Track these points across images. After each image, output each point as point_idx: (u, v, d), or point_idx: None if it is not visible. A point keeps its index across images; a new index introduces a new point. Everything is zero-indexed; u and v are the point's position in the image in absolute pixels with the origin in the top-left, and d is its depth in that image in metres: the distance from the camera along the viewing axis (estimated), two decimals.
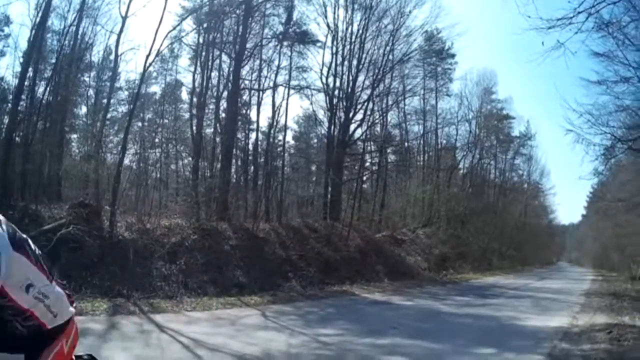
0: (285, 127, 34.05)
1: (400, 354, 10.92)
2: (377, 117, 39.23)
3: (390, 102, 40.33)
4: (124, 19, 21.71)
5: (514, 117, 56.67)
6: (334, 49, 33.47)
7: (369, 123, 37.49)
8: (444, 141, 49.97)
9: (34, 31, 22.40)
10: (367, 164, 40.49)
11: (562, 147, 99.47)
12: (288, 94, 31.30)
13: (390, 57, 35.78)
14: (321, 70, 33.40)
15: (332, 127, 33.71)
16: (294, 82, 31.95)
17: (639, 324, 14.65)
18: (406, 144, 46.04)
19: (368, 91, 35.36)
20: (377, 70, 35.24)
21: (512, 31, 67.39)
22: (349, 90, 34.05)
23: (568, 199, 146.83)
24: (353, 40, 33.85)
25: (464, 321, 16.75)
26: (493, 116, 53.31)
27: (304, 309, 16.86)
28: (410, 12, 35.25)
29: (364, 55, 34.29)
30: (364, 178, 38.04)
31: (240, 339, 10.76)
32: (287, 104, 32.74)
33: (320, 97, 34.47)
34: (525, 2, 13.17)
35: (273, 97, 30.79)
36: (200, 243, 19.54)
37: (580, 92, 40.53)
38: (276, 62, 31.05)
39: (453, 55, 44.15)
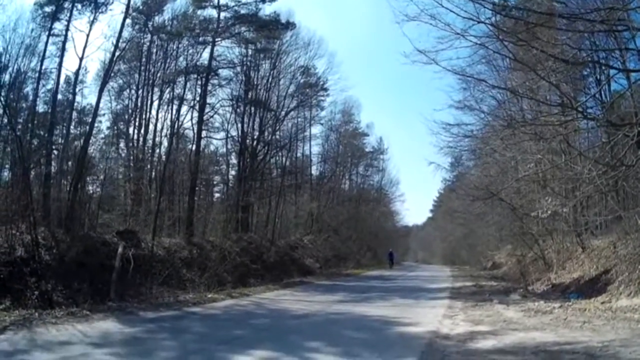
0: None
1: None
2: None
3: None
4: None
5: (368, 134, 62.64)
6: None
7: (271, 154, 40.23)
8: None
9: None
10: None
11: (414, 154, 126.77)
12: None
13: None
14: None
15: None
16: None
17: (488, 284, 27.92)
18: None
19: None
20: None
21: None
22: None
23: (415, 202, 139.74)
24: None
25: (400, 284, 30.82)
26: (351, 135, 60.04)
27: None
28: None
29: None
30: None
31: None
32: None
33: None
34: None
35: None
36: None
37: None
38: None
39: (326, 89, 44.54)
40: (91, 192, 24.40)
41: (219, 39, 32.10)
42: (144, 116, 32.28)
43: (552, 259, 25.12)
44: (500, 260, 42.52)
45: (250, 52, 36.23)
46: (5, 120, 18.48)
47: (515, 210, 26.23)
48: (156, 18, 32.19)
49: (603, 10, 13.35)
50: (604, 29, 14.01)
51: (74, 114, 28.10)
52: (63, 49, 24.18)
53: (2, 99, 19.78)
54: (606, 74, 19.33)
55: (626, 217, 18.47)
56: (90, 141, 23.62)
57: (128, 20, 26.52)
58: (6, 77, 22.04)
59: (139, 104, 32.54)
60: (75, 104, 27.91)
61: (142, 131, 32.02)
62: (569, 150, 19.57)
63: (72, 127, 27.71)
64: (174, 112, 32.25)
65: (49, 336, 10.52)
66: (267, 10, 33.95)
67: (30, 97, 24.58)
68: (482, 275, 38.20)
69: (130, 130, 32.90)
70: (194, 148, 32.39)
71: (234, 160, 39.10)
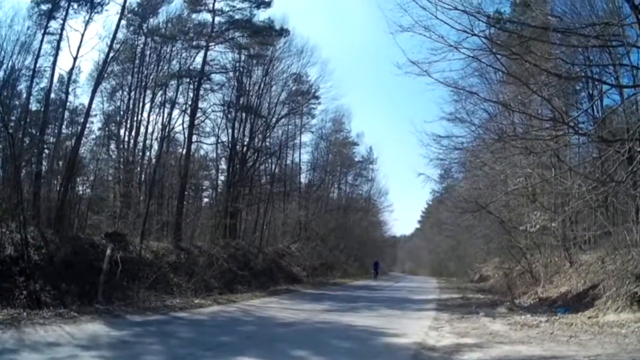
0: None
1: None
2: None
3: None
4: None
5: (358, 143, 62.90)
6: None
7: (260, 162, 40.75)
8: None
9: None
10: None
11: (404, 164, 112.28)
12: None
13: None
14: None
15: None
16: None
17: (475, 296, 28.32)
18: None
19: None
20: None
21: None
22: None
23: (404, 212, 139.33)
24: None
25: (387, 295, 31.41)
26: (341, 144, 60.72)
27: None
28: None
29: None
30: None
31: None
32: None
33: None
34: None
35: None
36: None
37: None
38: None
39: (317, 97, 44.77)
40: (81, 193, 24.29)
41: (213, 43, 32.23)
42: (135, 118, 32.31)
43: (540, 273, 25.19)
44: (487, 273, 42.61)
45: (243, 57, 36.39)
46: None
47: (503, 223, 26.37)
48: (151, 20, 32.16)
49: (598, 25, 13.49)
50: (599, 44, 14.14)
51: (66, 113, 28.17)
52: (58, 48, 24.32)
53: None
54: (599, 89, 19.55)
55: (615, 233, 18.59)
56: (82, 142, 23.64)
57: (123, 22, 26.78)
58: (0, 74, 22.06)
59: (131, 106, 32.56)
60: (68, 103, 28.10)
61: (133, 133, 32.02)
62: (559, 165, 19.71)
63: (64, 126, 27.80)
64: (166, 115, 32.41)
65: (37, 336, 10.53)
66: (261, 16, 34.28)
67: (24, 95, 24.61)
68: (469, 287, 38.52)
69: (122, 132, 32.90)
70: (184, 152, 32.50)
71: (223, 165, 39.33)
